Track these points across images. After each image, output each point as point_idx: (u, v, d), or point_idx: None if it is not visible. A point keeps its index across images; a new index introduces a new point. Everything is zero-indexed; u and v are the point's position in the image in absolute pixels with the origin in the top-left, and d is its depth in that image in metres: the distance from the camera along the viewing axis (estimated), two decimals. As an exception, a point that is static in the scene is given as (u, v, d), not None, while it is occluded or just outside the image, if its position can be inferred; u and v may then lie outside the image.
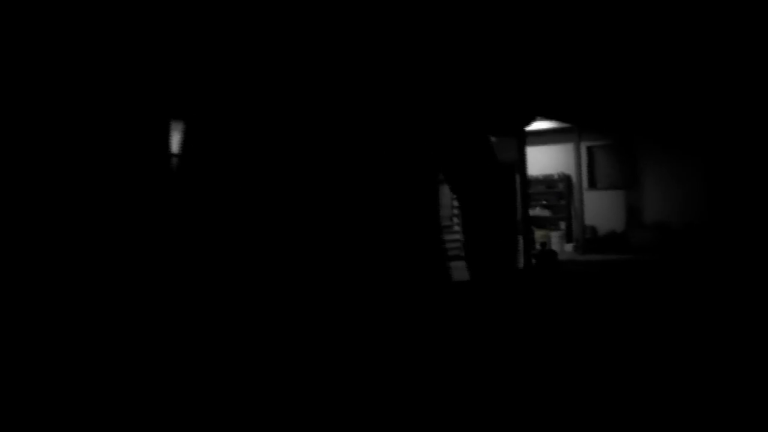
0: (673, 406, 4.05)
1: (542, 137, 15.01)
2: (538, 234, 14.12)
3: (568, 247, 14.43)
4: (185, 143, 1.26)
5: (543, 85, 12.03)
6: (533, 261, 10.90)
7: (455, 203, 13.15)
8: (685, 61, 12.37)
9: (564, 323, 6.90)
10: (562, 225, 15.22)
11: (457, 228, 13.09)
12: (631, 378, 4.73)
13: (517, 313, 1.47)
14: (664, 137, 14.10)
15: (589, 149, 15.04)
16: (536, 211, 15.28)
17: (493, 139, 15.35)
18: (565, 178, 15.29)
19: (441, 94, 1.35)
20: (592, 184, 15.07)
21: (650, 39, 11.78)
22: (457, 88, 1.40)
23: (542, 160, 15.36)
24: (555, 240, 14.66)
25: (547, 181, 15.51)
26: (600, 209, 14.81)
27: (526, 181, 11.74)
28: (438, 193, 1.52)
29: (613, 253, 13.73)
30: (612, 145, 14.92)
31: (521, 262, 11.27)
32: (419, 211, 1.34)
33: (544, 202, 15.44)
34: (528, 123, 11.60)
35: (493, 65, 10.29)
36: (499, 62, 10.41)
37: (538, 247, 12.63)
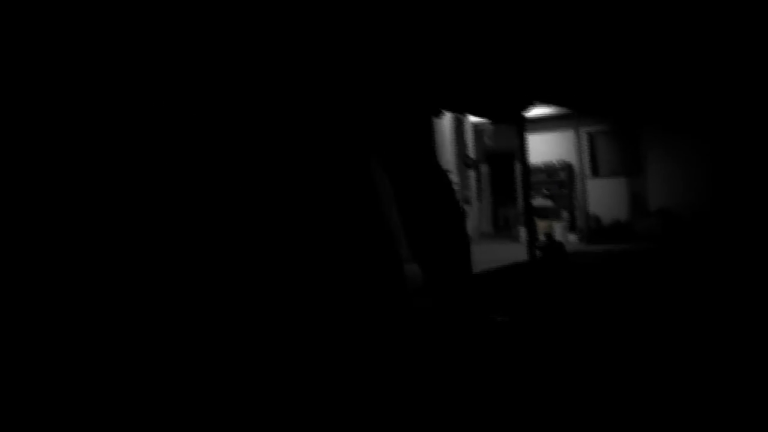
0: (686, 406, 3.66)
1: (541, 124, 14.51)
2: (541, 225, 13.63)
3: (572, 237, 13.94)
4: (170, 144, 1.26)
5: (540, 70, 11.55)
6: (538, 253, 10.39)
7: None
8: (689, 42, 11.94)
9: (576, 319, 6.41)
10: (565, 215, 14.72)
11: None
12: (648, 381, 4.28)
13: (466, 317, 1.36)
14: (667, 121, 13.62)
15: (590, 135, 14.55)
16: (538, 201, 14.77)
17: (491, 125, 14.87)
18: (567, 167, 14.79)
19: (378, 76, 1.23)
20: (595, 172, 14.58)
21: (651, 19, 11.35)
22: (397, 71, 1.26)
23: (542, 148, 14.85)
24: (558, 230, 14.17)
25: (548, 170, 15.02)
26: (603, 198, 14.31)
27: (528, 169, 11.24)
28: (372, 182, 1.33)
29: (618, 243, 13.24)
30: (613, 131, 14.43)
31: (527, 255, 10.78)
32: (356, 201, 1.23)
33: (546, 192, 14.95)
34: (526, 109, 11.11)
35: (488, 50, 9.81)
36: (495, 47, 9.94)
37: (541, 238, 12.14)
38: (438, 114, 8.67)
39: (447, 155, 12.47)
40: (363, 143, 1.23)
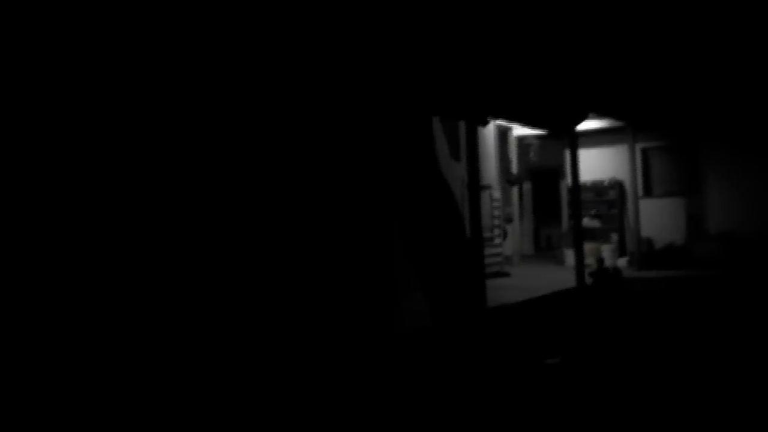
0: None
1: (590, 138, 13.54)
2: (588, 247, 12.65)
3: (622, 261, 12.92)
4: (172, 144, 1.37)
5: (597, 79, 10.64)
6: (588, 280, 9.43)
7: (495, 212, 11.70)
8: (753, 52, 11.00)
9: (639, 361, 5.46)
10: (614, 237, 13.71)
11: (498, 241, 11.63)
12: None
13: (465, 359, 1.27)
14: (729, 136, 12.57)
15: (644, 151, 13.54)
16: (584, 222, 13.78)
17: (536, 140, 13.95)
18: (617, 185, 13.78)
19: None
20: (648, 191, 13.55)
21: (715, 28, 10.45)
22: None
23: (590, 165, 13.86)
24: (607, 254, 13.15)
25: (597, 188, 14.02)
26: (657, 219, 13.27)
27: (578, 187, 10.29)
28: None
29: (673, 269, 12.18)
30: (669, 147, 13.40)
31: (575, 281, 9.81)
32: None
33: (594, 212, 13.96)
34: (580, 121, 10.17)
35: (543, 56, 8.94)
36: (551, 53, 9.07)
37: (588, 261, 11.18)
38: (483, 122, 7.80)
39: (491, 171, 11.58)
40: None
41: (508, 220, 13.39)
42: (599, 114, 11.22)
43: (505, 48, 8.33)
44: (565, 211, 15.21)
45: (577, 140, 10.23)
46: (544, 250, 16.89)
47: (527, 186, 16.43)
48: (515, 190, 14.03)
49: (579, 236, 10.34)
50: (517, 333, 7.11)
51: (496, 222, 11.61)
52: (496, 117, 8.45)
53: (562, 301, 8.73)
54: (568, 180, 14.72)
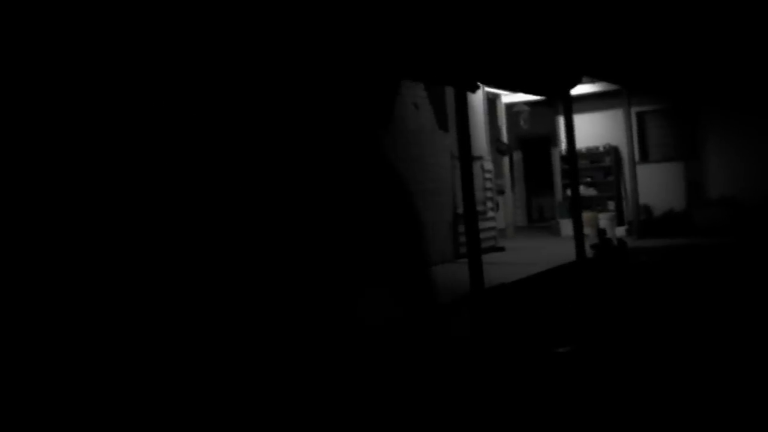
0: None
1: (583, 103, 12.94)
2: (585, 217, 12.10)
3: (620, 230, 12.37)
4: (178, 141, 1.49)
5: (590, 41, 10.03)
6: (590, 252, 8.87)
7: (488, 185, 11.12)
8: (754, 11, 10.42)
9: (653, 345, 4.94)
10: (611, 205, 13.17)
11: (491, 214, 11.06)
12: None
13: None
14: (729, 98, 12.01)
15: (640, 115, 12.95)
16: (580, 190, 13.22)
17: (526, 106, 13.33)
18: (613, 151, 13.22)
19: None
20: (644, 157, 12.99)
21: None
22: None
23: (584, 131, 13.24)
24: (604, 222, 12.61)
25: (591, 155, 13.45)
26: (654, 185, 12.72)
27: (575, 154, 9.71)
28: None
29: (673, 236, 11.66)
30: (667, 110, 12.84)
31: (575, 254, 9.26)
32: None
33: (589, 179, 13.41)
34: (574, 84, 9.58)
35: (533, 18, 8.32)
36: (541, 15, 8.45)
37: (587, 232, 10.63)
38: (473, 88, 7.18)
39: (481, 141, 10.97)
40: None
41: (500, 191, 12.82)
42: (593, 77, 10.63)
43: (496, 8, 7.71)
44: (558, 180, 14.64)
45: (571, 105, 9.63)
46: (536, 220, 16.35)
47: (518, 155, 15.85)
48: (506, 160, 13.45)
49: (577, 205, 9.78)
50: (520, 316, 6.55)
51: (489, 195, 11.03)
52: (487, 82, 7.84)
53: (564, 277, 8.19)
54: (562, 147, 14.14)
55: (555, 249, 10.94)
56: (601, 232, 9.08)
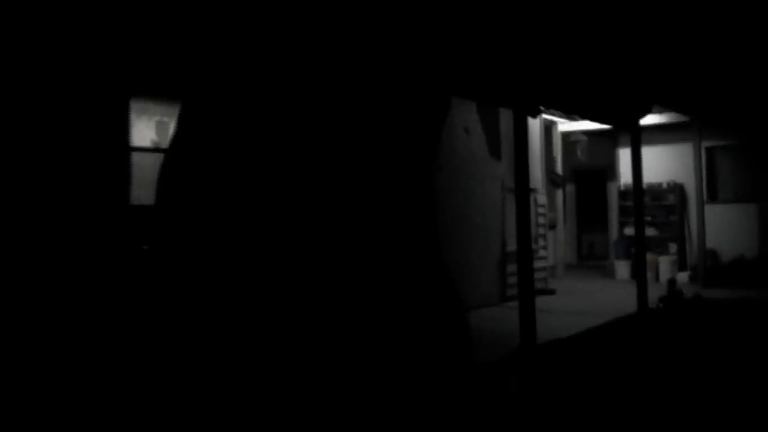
0: None
1: (646, 135, 11.83)
2: (642, 259, 11.04)
3: (682, 276, 11.26)
4: (177, 138, 1.27)
5: (661, 67, 9.03)
6: (659, 305, 7.79)
7: (540, 220, 10.11)
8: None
9: None
10: (673, 248, 12.05)
11: (543, 253, 10.04)
12: None
13: None
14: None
15: (709, 151, 11.83)
16: (638, 230, 12.15)
17: (585, 136, 12.32)
18: (677, 188, 12.11)
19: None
20: (713, 196, 11.84)
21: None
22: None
23: (646, 165, 12.05)
24: (664, 267, 11.52)
25: (653, 192, 12.36)
26: (723, 228, 11.57)
27: (641, 189, 8.68)
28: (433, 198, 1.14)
29: (744, 287, 10.49)
30: (740, 146, 11.70)
31: (636, 304, 8.19)
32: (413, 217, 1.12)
33: (649, 218, 12.30)
34: (645, 113, 8.57)
35: (603, 41, 7.37)
36: (612, 38, 7.50)
37: (654, 275, 9.52)
38: (534, 112, 6.25)
39: (535, 171, 10.00)
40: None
41: (552, 226, 11.80)
42: (665, 106, 9.61)
43: (563, 27, 6.77)
44: (614, 217, 13.54)
45: (640, 135, 8.61)
46: (586, 258, 15.24)
47: (570, 188, 14.80)
48: (559, 192, 12.44)
49: (641, 248, 8.72)
50: (579, 383, 5.53)
51: (541, 231, 10.04)
52: (550, 106, 6.88)
53: (627, 333, 7.13)
54: (621, 182, 13.08)
55: (612, 295, 9.88)
56: (671, 283, 7.99)
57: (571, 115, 8.28)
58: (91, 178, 5.18)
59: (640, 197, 8.82)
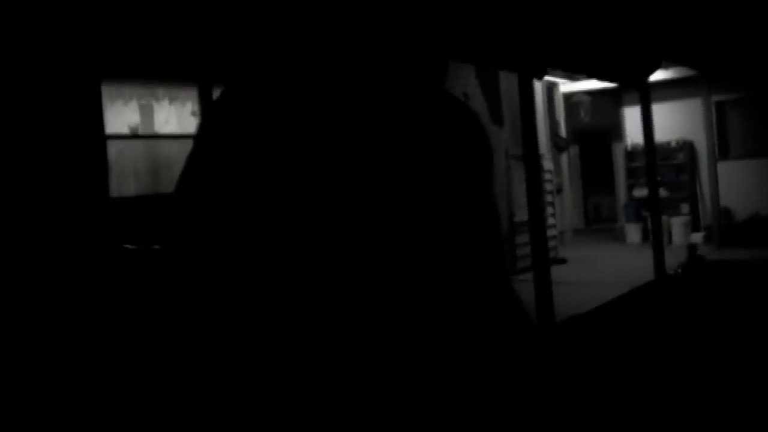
0: None
1: (651, 93, 11.38)
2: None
3: (696, 236, 10.84)
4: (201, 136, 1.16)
5: (668, 20, 8.52)
6: (677, 271, 7.38)
7: (547, 187, 9.67)
8: None
9: None
10: (685, 208, 11.62)
11: (551, 221, 9.62)
12: None
13: None
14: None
15: (719, 106, 11.34)
16: (646, 191, 11.70)
17: (587, 96, 11.83)
18: (687, 146, 11.65)
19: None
20: (724, 153, 11.37)
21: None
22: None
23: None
24: (677, 229, 11.10)
25: (662, 151, 11.86)
26: (736, 186, 11.11)
27: (652, 149, 8.25)
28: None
29: (763, 245, 10.07)
30: (751, 99, 11.20)
31: (653, 271, 7.79)
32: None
33: (659, 179, 11.85)
34: (654, 69, 8.11)
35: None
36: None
37: (666, 237, 9.09)
38: (540, 73, 5.79)
39: (540, 135, 9.53)
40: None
41: (558, 191, 11.36)
42: (674, 61, 9.12)
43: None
44: (621, 179, 13.08)
45: (649, 92, 8.17)
46: (594, 222, 14.82)
47: (574, 150, 14.33)
48: (563, 156, 12.00)
49: (657, 211, 8.32)
50: (603, 365, 5.13)
51: (549, 198, 9.60)
52: (557, 67, 6.41)
53: (647, 304, 6.72)
54: (627, 142, 12.62)
55: (626, 261, 9.48)
56: (691, 248, 7.55)
57: (577, 74, 7.82)
58: (60, 170, 4.76)
59: (653, 157, 8.39)
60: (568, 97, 12.15)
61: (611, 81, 8.16)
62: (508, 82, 8.43)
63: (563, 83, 11.60)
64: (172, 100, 7.26)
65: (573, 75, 11.33)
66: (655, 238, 8.07)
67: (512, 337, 1.12)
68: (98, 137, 5.34)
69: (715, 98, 11.05)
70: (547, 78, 10.51)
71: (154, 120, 7.17)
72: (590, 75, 7.09)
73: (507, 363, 1.13)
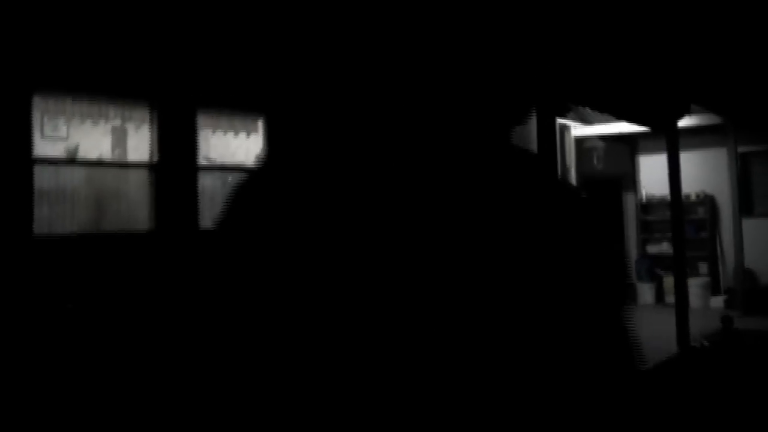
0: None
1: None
2: (668, 282, 9.67)
3: (716, 300, 9.90)
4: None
5: (699, 64, 7.71)
6: (703, 344, 6.41)
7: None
8: None
9: None
10: (703, 268, 10.66)
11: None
12: None
13: None
14: None
15: (744, 157, 10.44)
16: (662, 248, 10.78)
17: (601, 143, 10.96)
18: (708, 200, 10.74)
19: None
20: (748, 209, 10.44)
21: None
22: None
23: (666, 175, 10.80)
24: (694, 290, 10.13)
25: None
26: (761, 246, 10.17)
27: (679, 201, 7.33)
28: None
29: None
30: (779, 152, 10.35)
31: (670, 337, 6.83)
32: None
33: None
34: (683, 114, 7.24)
35: (634, 32, 6.05)
36: (645, 30, 6.19)
37: (669, 301, 8.11)
38: (563, 111, 4.93)
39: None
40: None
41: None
42: (705, 106, 8.25)
43: (594, 17, 5.43)
44: (632, 234, 12.13)
45: (677, 139, 7.28)
46: (600, 276, 13.85)
47: (583, 199, 13.43)
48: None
49: (683, 270, 7.37)
50: None
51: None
52: (581, 103, 5.53)
53: (674, 389, 5.72)
54: (642, 193, 11.73)
55: (639, 326, 8.50)
56: (726, 321, 6.57)
57: (603, 113, 6.96)
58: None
59: (679, 210, 7.47)
60: (580, 142, 11.28)
61: (639, 123, 7.27)
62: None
63: (575, 127, 10.76)
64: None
65: (587, 119, 10.50)
66: (679, 304, 7.13)
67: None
68: (23, 160, 4.39)
69: (740, 149, 10.18)
70: (559, 120, 9.66)
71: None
72: (617, 116, 6.22)
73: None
